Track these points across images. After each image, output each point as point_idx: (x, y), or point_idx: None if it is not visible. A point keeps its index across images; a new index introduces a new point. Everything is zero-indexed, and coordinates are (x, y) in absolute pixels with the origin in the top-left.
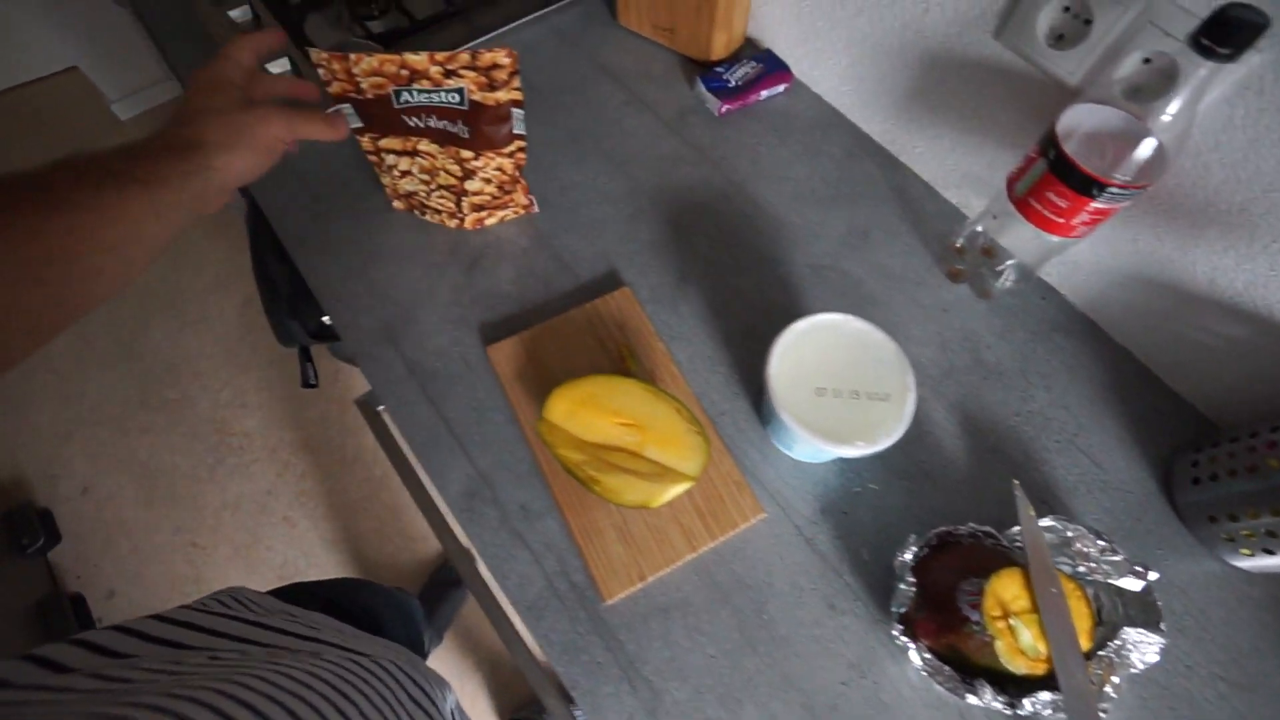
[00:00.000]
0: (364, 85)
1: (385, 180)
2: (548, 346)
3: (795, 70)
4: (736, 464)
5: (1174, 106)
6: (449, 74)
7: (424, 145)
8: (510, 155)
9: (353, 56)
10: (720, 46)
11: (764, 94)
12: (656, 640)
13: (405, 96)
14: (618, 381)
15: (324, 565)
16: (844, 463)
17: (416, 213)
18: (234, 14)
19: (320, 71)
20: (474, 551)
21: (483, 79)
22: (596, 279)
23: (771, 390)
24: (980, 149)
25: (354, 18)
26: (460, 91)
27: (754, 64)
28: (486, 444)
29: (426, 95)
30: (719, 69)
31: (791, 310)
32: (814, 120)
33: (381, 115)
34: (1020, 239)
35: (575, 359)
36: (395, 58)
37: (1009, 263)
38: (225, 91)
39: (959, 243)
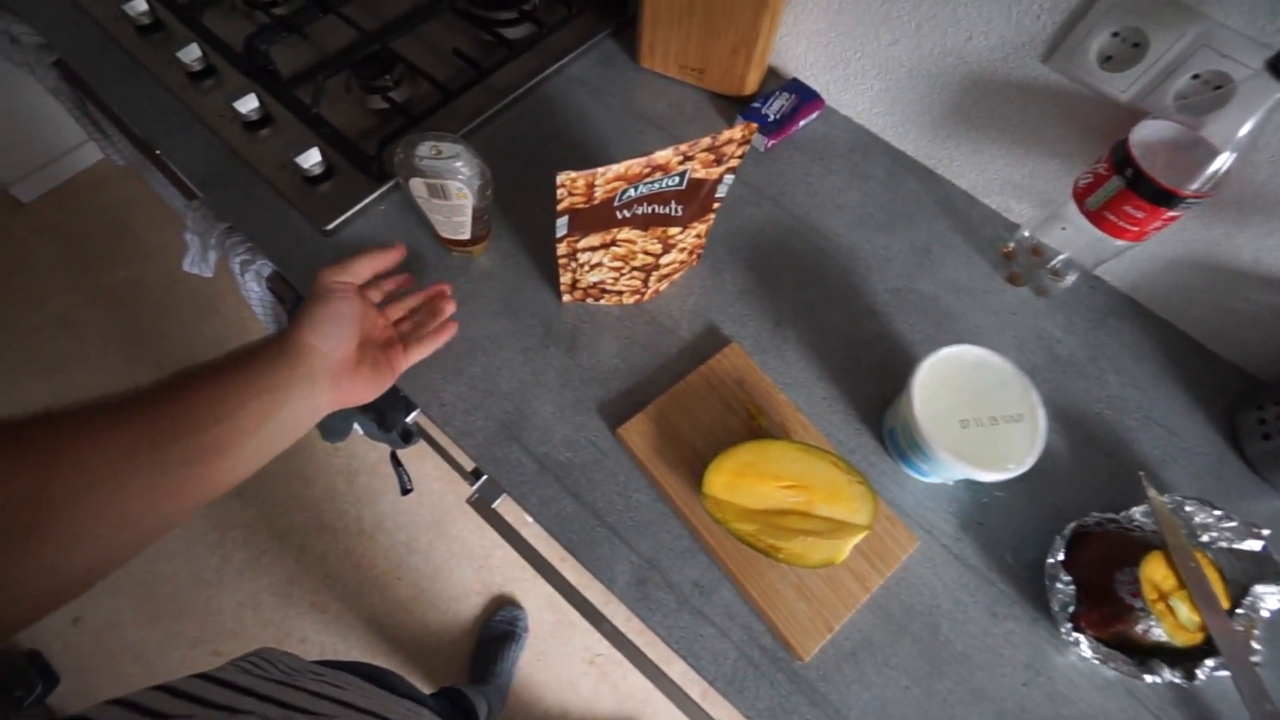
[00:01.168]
0: (599, 194)
1: (565, 278)
2: (676, 416)
3: (825, 96)
4: (882, 500)
5: (1247, 127)
6: (685, 159)
7: (624, 235)
8: (708, 220)
9: (600, 170)
10: (753, 82)
11: (801, 123)
12: (854, 684)
13: (629, 193)
14: (768, 445)
15: (365, 645)
16: (970, 479)
17: (590, 300)
18: (240, 107)
19: (560, 191)
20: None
21: (711, 157)
22: (698, 337)
23: (924, 432)
24: (1023, 160)
25: (367, 89)
26: (683, 174)
27: (786, 95)
28: (642, 528)
29: (650, 185)
30: (755, 105)
31: (885, 336)
32: (851, 144)
33: (595, 217)
34: (1079, 242)
35: (706, 424)
36: (642, 160)
37: (1059, 259)
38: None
39: (1011, 246)
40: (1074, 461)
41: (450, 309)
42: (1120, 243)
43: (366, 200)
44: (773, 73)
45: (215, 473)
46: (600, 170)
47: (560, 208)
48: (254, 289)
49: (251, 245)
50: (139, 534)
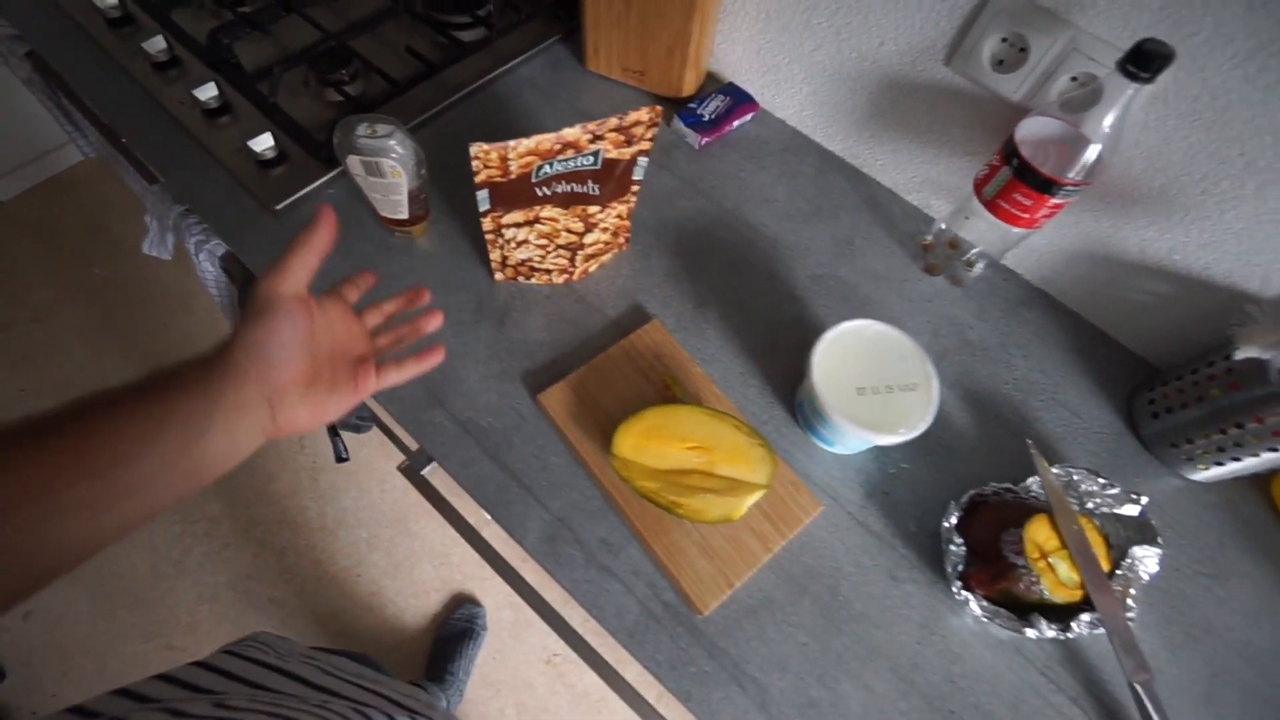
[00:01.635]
0: (514, 167)
1: (494, 255)
2: (594, 386)
3: (759, 99)
4: (789, 466)
5: (1109, 119)
6: (595, 139)
7: (547, 212)
8: (628, 201)
9: (511, 143)
10: (690, 84)
11: (735, 124)
12: (753, 639)
13: (545, 169)
14: (675, 409)
15: (323, 641)
16: (878, 450)
17: (521, 279)
18: (199, 94)
19: (474, 163)
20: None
21: (621, 137)
22: (623, 315)
23: (821, 398)
24: (937, 158)
25: (324, 83)
26: (597, 153)
27: (722, 97)
28: (556, 488)
29: (565, 163)
30: (692, 105)
31: (803, 319)
32: (783, 144)
33: (514, 192)
34: (985, 233)
35: (623, 393)
36: (553, 136)
37: (974, 251)
38: (340, 346)
39: (929, 239)
40: (980, 438)
41: (434, 325)
42: (1017, 230)
43: (315, 184)
44: (712, 78)
45: (122, 517)
46: (512, 143)
47: (478, 180)
48: (208, 269)
49: (206, 226)
50: (38, 574)
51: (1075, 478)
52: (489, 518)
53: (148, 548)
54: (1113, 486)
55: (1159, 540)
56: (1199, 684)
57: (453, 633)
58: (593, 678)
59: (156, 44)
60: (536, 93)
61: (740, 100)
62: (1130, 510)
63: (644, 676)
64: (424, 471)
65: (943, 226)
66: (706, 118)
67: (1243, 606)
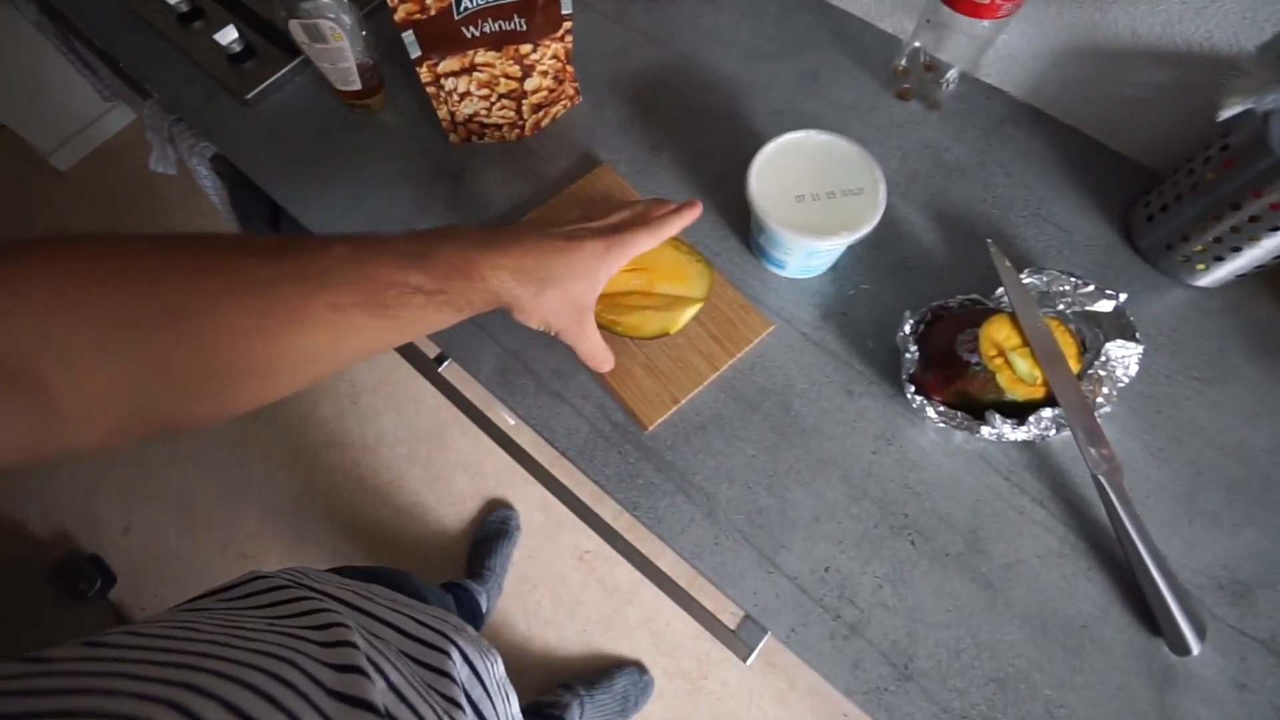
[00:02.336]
0: (430, 1)
1: (442, 112)
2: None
3: None
4: (738, 291)
5: None
6: None
7: (481, 57)
8: (562, 39)
9: None
10: None
11: None
12: (700, 453)
13: (465, 4)
14: None
15: (372, 548)
16: (835, 272)
17: (474, 138)
18: None
19: None
20: (519, 420)
21: None
22: (574, 164)
23: (756, 206)
24: None
25: None
26: None
27: None
28: (508, 326)
29: None
30: None
31: (756, 150)
32: None
33: (441, 33)
34: (956, 41)
35: None
36: None
37: (950, 72)
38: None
39: (902, 64)
40: (950, 256)
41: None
42: (984, 24)
43: (281, 72)
44: None
45: (382, 347)
46: None
47: (397, 18)
48: (203, 173)
49: (196, 130)
50: (312, 378)
51: (1046, 280)
52: (517, 423)
53: (213, 472)
54: (1086, 285)
55: (1137, 335)
56: (1179, 481)
57: (489, 534)
58: (623, 571)
59: None
60: None
61: None
62: (1105, 306)
63: (678, 565)
64: (441, 370)
65: (915, 45)
66: None
67: (1240, 408)
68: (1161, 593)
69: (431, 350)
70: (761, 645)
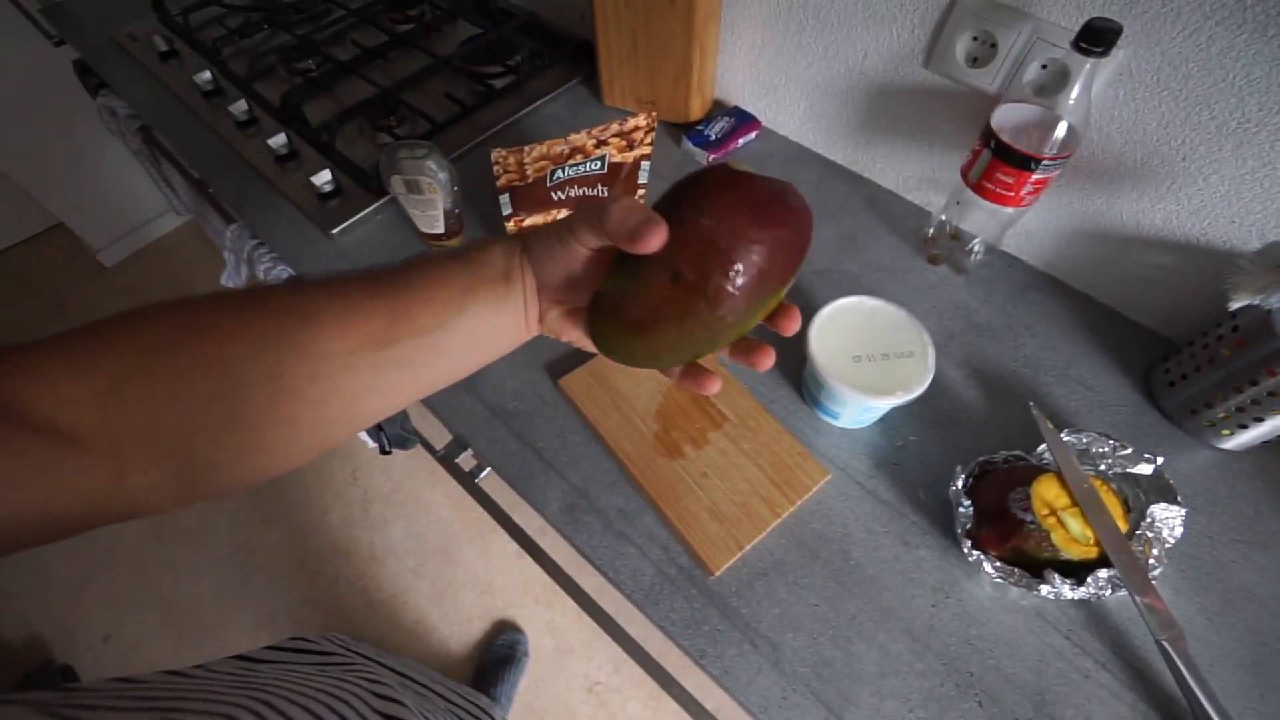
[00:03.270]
0: (529, 171)
1: None
2: (611, 371)
3: (762, 119)
4: (795, 439)
5: (1074, 94)
6: (599, 144)
7: (562, 215)
8: None
9: (526, 148)
10: (696, 109)
11: (740, 141)
12: (764, 600)
13: (558, 174)
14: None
15: None
16: (884, 423)
17: None
18: (272, 143)
19: (495, 167)
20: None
21: (624, 142)
22: None
23: (819, 365)
24: (929, 155)
25: (376, 129)
26: (603, 158)
27: (727, 119)
28: (575, 463)
29: (576, 168)
30: (699, 127)
31: (809, 309)
32: (786, 156)
33: (531, 196)
34: (980, 219)
35: (636, 376)
36: (561, 140)
37: (975, 241)
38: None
39: (930, 232)
40: (989, 412)
41: None
42: (1007, 210)
43: (366, 210)
44: (718, 103)
45: (420, 380)
46: (527, 148)
47: (499, 184)
48: None
49: (275, 255)
50: (338, 432)
51: (1085, 440)
52: (545, 526)
53: (212, 576)
54: (1125, 448)
55: (1179, 499)
56: (1242, 650)
57: (495, 658)
58: (634, 707)
59: (240, 106)
60: (559, 126)
61: (743, 120)
62: (1145, 469)
63: (705, 686)
64: (478, 481)
65: (942, 218)
66: (713, 137)
67: None
68: None
69: (468, 464)
70: None
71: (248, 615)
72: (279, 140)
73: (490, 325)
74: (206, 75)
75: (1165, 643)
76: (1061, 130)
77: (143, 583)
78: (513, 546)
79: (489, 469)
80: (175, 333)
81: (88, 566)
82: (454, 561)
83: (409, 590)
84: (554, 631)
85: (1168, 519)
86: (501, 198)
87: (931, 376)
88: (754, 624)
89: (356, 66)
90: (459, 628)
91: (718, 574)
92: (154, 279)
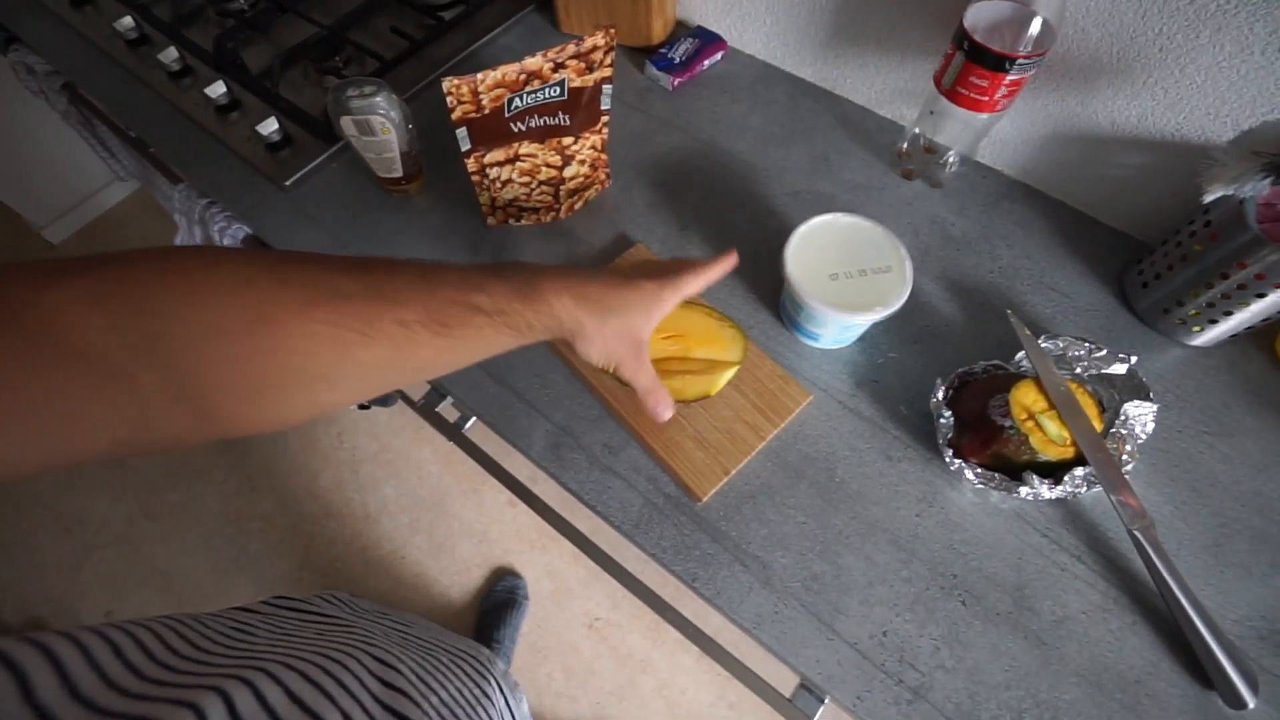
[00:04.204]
0: (485, 100)
1: (483, 198)
2: None
3: (727, 38)
4: (776, 363)
5: None
6: (556, 67)
7: (525, 148)
8: (599, 131)
9: (479, 75)
10: (658, 31)
11: (706, 63)
12: (753, 522)
13: (516, 103)
14: None
15: None
16: (864, 342)
17: (512, 221)
18: (209, 92)
19: (449, 99)
20: (572, 493)
21: (582, 64)
22: (609, 244)
23: (795, 285)
24: (901, 65)
25: (320, 71)
26: (562, 83)
27: (691, 40)
28: (556, 402)
29: (534, 95)
30: (662, 50)
31: (783, 231)
32: (754, 77)
33: (491, 129)
34: (954, 129)
35: None
36: (515, 65)
37: (949, 153)
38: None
39: (904, 147)
40: (967, 324)
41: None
42: (982, 116)
43: (319, 159)
44: (681, 24)
45: (443, 367)
46: (480, 76)
47: (455, 117)
48: None
49: (228, 212)
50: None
51: (1061, 344)
52: (535, 474)
53: (206, 549)
54: (1100, 349)
55: (1151, 395)
56: (1206, 533)
57: (496, 603)
58: (635, 639)
59: (170, 55)
60: (516, 59)
61: (709, 41)
62: (1119, 369)
63: (701, 614)
64: (464, 431)
65: (915, 131)
66: (677, 60)
67: (1250, 460)
68: (1210, 647)
69: (451, 415)
70: (819, 714)
71: (248, 584)
72: (217, 90)
73: (508, 345)
74: (128, 21)
75: (1136, 532)
76: (1036, 26)
77: (137, 560)
78: (505, 496)
79: (473, 419)
80: (231, 316)
81: (78, 549)
82: (448, 515)
83: (406, 545)
84: (552, 574)
85: (1140, 415)
86: (459, 132)
87: (910, 289)
88: (743, 545)
89: (293, 4)
90: (459, 578)
91: (705, 500)
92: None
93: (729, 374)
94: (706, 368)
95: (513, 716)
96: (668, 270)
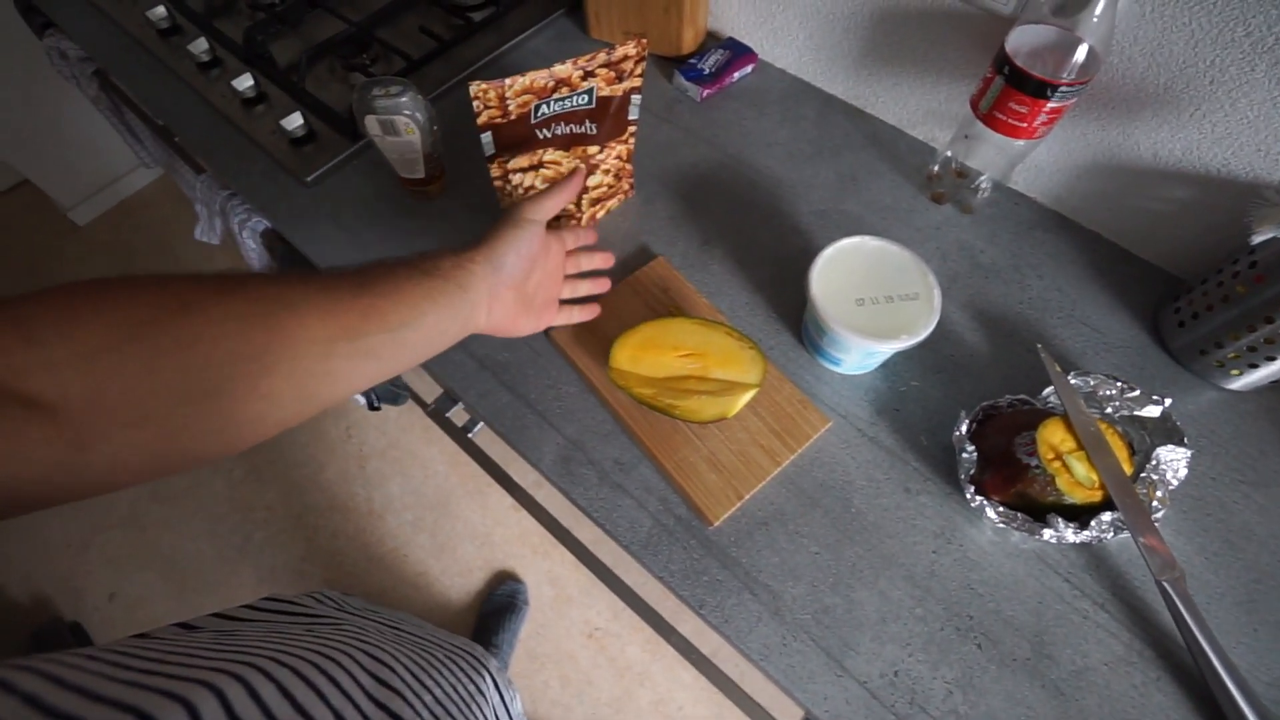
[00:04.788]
0: (511, 106)
1: (505, 203)
2: (602, 318)
3: (758, 51)
4: (795, 386)
5: (1097, 12)
6: (586, 75)
7: (549, 156)
8: (626, 141)
9: (507, 80)
10: (689, 41)
11: (736, 75)
12: (764, 549)
13: (542, 110)
14: (669, 321)
15: None
16: (886, 369)
17: None
18: (237, 84)
19: (475, 104)
20: (581, 510)
21: (612, 73)
22: (630, 255)
23: (820, 309)
24: (935, 86)
25: (347, 68)
26: (590, 91)
27: (721, 51)
28: (568, 415)
29: (561, 103)
30: (692, 60)
31: (808, 250)
32: (784, 91)
33: (516, 135)
34: (988, 154)
35: (629, 324)
36: (544, 72)
37: (981, 179)
38: (548, 278)
39: (934, 169)
40: (993, 356)
41: (603, 287)
42: (1019, 143)
43: (341, 155)
44: (711, 35)
45: (385, 368)
46: (508, 81)
47: (480, 121)
48: (251, 246)
49: (249, 205)
50: (310, 409)
51: (1093, 383)
52: (540, 480)
53: (210, 535)
54: (1133, 390)
55: (1185, 441)
56: (1239, 588)
57: (496, 607)
58: (634, 650)
59: (199, 46)
60: (544, 62)
61: (739, 53)
62: (1152, 411)
63: (700, 632)
64: (471, 435)
65: (947, 154)
66: (707, 71)
67: None
68: (1241, 709)
69: (460, 418)
70: None
71: (249, 572)
72: (245, 82)
73: (449, 322)
74: (160, 11)
75: (1165, 583)
76: (1081, 53)
77: (142, 542)
78: (510, 499)
79: (482, 423)
80: (153, 310)
81: (86, 528)
82: (452, 515)
83: (409, 544)
84: (553, 580)
85: (1173, 461)
86: (483, 137)
87: (937, 318)
88: (754, 573)
89: (324, 0)
90: (460, 579)
91: (717, 524)
92: (130, 237)
93: (747, 396)
94: (724, 389)
95: (509, 714)
96: (534, 197)
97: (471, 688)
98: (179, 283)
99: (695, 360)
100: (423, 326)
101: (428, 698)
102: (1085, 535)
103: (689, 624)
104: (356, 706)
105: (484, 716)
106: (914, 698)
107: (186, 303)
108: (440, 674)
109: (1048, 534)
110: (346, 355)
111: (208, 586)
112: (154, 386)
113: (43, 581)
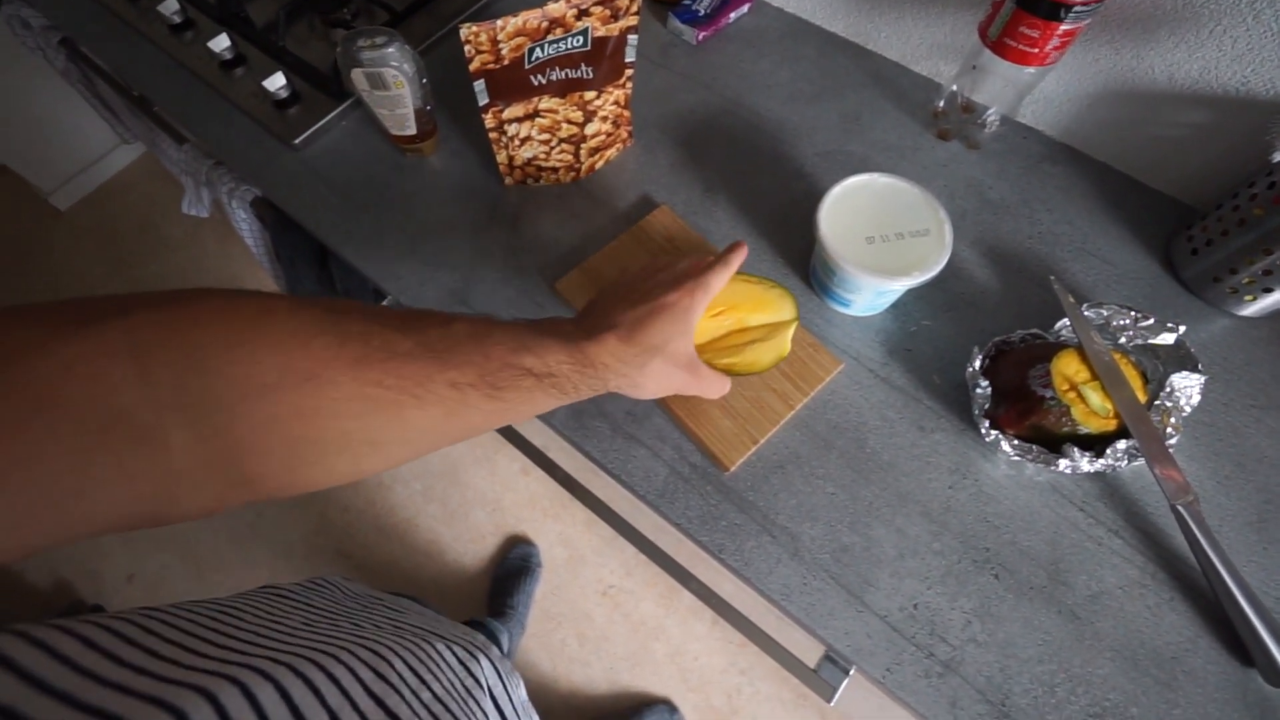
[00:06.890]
0: (505, 50)
1: (501, 156)
2: (608, 270)
3: None
4: (805, 329)
5: None
6: (581, 15)
7: (545, 103)
8: (623, 85)
9: (499, 22)
10: None
11: (732, 16)
12: (781, 492)
13: (537, 53)
14: None
15: (388, 587)
16: (896, 309)
17: (530, 181)
18: (213, 46)
19: (467, 48)
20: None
21: (607, 12)
22: (632, 206)
23: (829, 248)
24: (940, 18)
25: (328, 24)
26: (585, 32)
27: None
28: None
29: (556, 45)
30: (686, 2)
31: (813, 193)
32: (783, 31)
33: (510, 82)
34: (996, 86)
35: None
36: (537, 11)
37: (988, 113)
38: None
39: (940, 105)
40: (1004, 292)
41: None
42: (1029, 70)
43: (329, 116)
44: None
45: (488, 427)
46: (500, 23)
47: (472, 68)
48: (241, 216)
49: (236, 174)
50: (418, 453)
51: (1105, 313)
52: (551, 440)
53: (223, 515)
54: (1147, 318)
55: (1199, 367)
56: (1251, 509)
57: (510, 571)
58: (648, 606)
59: (170, 6)
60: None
61: None
62: (1167, 339)
63: (716, 576)
64: None
65: (953, 89)
66: (702, 13)
67: None
68: (1252, 623)
69: None
70: (844, 685)
71: (264, 549)
72: (221, 43)
73: (553, 405)
74: None
75: (1180, 506)
76: None
77: None
78: (518, 464)
79: None
80: (279, 374)
81: None
82: (461, 483)
83: (419, 514)
84: (565, 542)
85: (1186, 387)
86: (476, 84)
87: (948, 253)
88: (771, 516)
89: None
90: (472, 545)
91: (732, 470)
92: (116, 221)
93: (791, 330)
94: (769, 332)
95: (511, 703)
96: (684, 276)
97: (470, 681)
98: (312, 341)
99: (729, 315)
100: (531, 396)
101: (425, 694)
102: (1100, 464)
103: (705, 571)
104: (354, 705)
105: (482, 710)
106: (934, 628)
107: (313, 374)
108: (439, 669)
109: (1063, 464)
110: (446, 436)
111: (224, 565)
112: (258, 448)
113: (62, 566)
